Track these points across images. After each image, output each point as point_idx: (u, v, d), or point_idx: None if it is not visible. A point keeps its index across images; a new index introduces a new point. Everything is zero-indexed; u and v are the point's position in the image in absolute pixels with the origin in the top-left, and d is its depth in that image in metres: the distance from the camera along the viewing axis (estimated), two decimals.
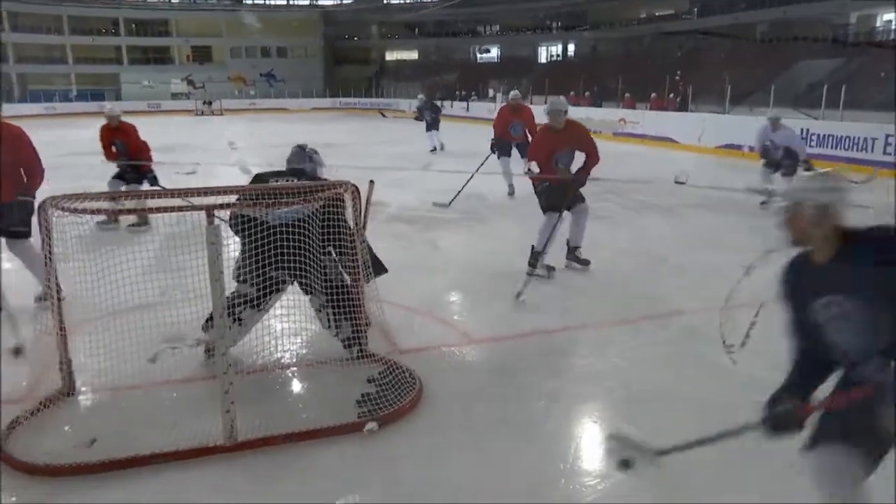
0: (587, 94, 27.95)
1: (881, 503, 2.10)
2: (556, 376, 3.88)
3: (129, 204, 5.15)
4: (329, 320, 3.88)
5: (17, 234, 4.86)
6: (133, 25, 47.49)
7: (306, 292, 3.88)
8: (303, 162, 4.17)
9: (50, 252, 3.38)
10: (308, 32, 49.28)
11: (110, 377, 3.57)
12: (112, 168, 7.77)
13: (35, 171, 4.97)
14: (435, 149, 15.56)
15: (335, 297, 3.77)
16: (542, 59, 45.48)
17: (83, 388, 3.59)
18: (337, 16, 49.55)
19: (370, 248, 4.04)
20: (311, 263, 3.58)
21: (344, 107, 40.79)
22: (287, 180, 3.92)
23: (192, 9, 47.72)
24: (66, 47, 45.58)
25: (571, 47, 43.85)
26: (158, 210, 3.51)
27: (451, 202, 8.70)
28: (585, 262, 5.93)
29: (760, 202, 7.96)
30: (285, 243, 3.48)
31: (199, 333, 3.78)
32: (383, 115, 32.36)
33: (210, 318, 3.53)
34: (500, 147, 9.47)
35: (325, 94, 43.03)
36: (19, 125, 5.13)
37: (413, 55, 50.41)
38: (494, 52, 47.92)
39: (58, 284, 3.44)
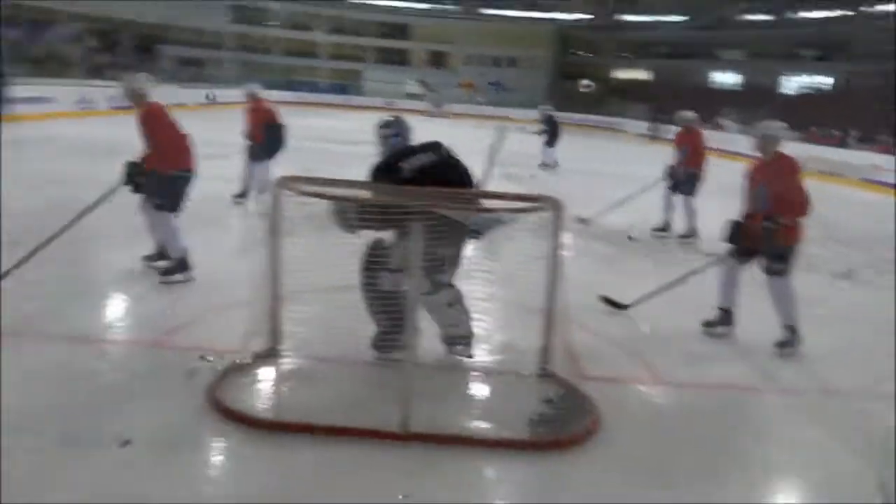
0: (836, 133, 25.13)
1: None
2: (744, 436, 3.52)
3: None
4: (461, 320, 3.91)
5: (157, 205, 5.21)
6: (380, 28, 51.38)
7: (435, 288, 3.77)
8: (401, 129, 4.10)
9: (272, 224, 3.70)
10: (540, 45, 49.89)
11: (311, 347, 3.90)
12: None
13: (170, 149, 5.20)
14: (546, 164, 15.27)
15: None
16: (787, 89, 41.82)
17: (286, 353, 3.90)
18: (571, 31, 49.62)
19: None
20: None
21: (565, 121, 40.49)
22: (421, 159, 3.82)
23: (434, 15, 50.45)
24: (321, 45, 50.61)
25: (823, 78, 39.80)
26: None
27: (660, 231, 8.32)
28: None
29: None
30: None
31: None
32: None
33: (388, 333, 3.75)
34: (670, 177, 8.42)
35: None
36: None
37: (643, 75, 48.97)
38: (732, 78, 44.98)
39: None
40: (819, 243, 7.54)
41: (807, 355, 4.57)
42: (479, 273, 4.24)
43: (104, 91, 22.34)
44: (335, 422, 3.14)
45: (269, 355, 3.82)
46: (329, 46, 50.60)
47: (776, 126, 4.86)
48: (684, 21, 40.99)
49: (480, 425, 3.31)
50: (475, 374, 3.95)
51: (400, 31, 51.59)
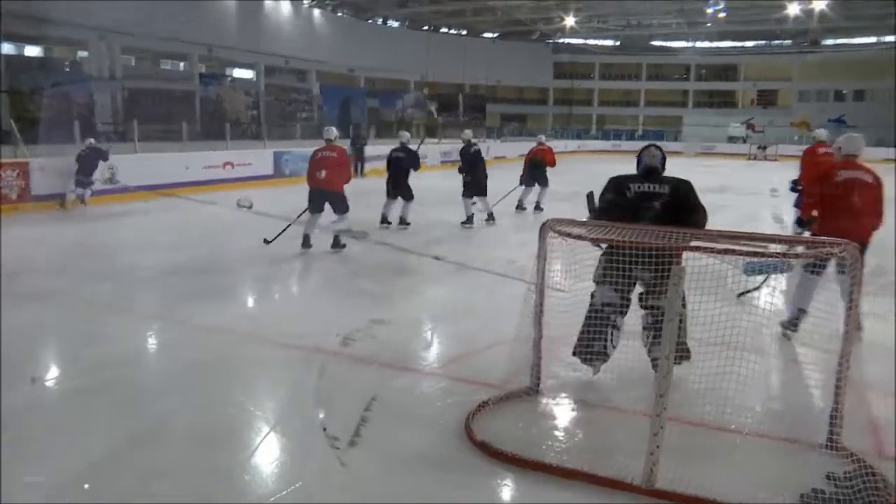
0: None
1: None
2: None
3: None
4: (649, 342, 4.02)
5: (340, 209, 8.18)
6: (702, 71, 49.49)
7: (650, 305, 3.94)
8: (656, 161, 4.23)
9: (542, 265, 3.84)
10: (893, 72, 43.15)
11: (570, 389, 3.93)
12: None
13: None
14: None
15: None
16: None
17: (545, 392, 3.98)
18: None
19: None
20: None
21: None
22: (649, 186, 4.11)
23: (763, 52, 46.98)
24: (640, 92, 50.45)
25: None
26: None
27: None
28: None
29: None
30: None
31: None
32: None
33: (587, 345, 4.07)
34: None
35: None
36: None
37: None
38: None
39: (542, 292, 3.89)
40: None
41: None
42: (760, 325, 3.85)
43: (437, 147, 25.29)
44: (579, 466, 3.11)
45: (528, 393, 3.93)
46: (649, 93, 50.31)
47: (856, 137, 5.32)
48: None
49: (738, 494, 2.96)
50: (745, 435, 3.55)
51: (726, 71, 49.11)
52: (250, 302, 6.61)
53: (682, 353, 3.86)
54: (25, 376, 4.13)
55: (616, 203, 4.14)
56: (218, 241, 9.39)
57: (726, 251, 3.30)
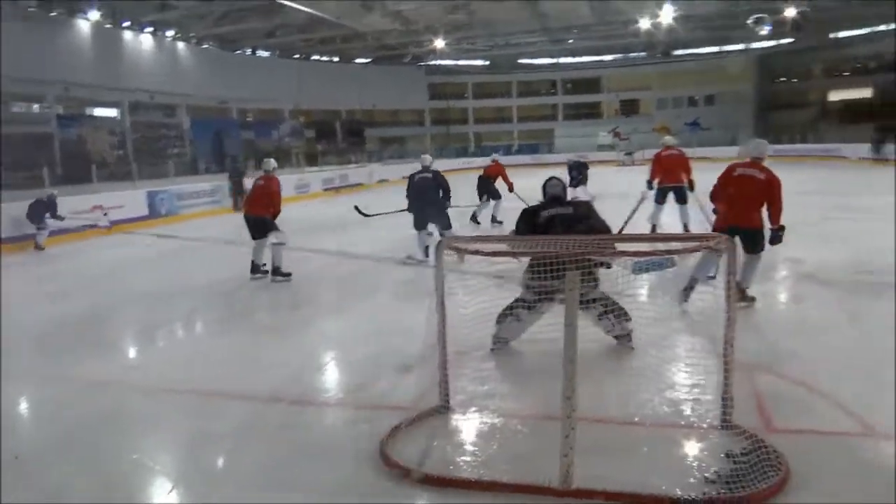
0: None
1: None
2: None
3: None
4: (613, 324, 4.64)
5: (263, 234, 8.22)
6: (568, 85, 51.93)
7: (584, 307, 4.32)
8: (558, 190, 5.12)
9: (442, 284, 3.87)
10: (739, 78, 47.18)
11: (481, 400, 3.97)
12: None
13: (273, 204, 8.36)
14: None
15: (611, 304, 4.61)
16: None
17: (456, 408, 3.99)
18: (772, 58, 46.31)
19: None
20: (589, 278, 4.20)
21: (775, 154, 37.80)
22: (556, 210, 4.88)
23: (624, 65, 49.95)
24: (512, 108, 52.24)
25: None
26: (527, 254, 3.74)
27: None
28: None
29: None
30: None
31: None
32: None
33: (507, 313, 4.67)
34: None
35: None
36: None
37: (865, 94, 44.03)
38: None
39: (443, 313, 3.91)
40: None
41: None
42: (650, 320, 4.06)
43: (318, 175, 24.96)
44: (496, 477, 3.14)
45: (438, 411, 3.93)
46: (521, 109, 52.13)
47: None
48: None
49: (649, 482, 3.10)
50: (648, 427, 3.72)
51: (589, 84, 51.73)
52: (136, 351, 6.21)
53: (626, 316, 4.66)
54: None
55: (531, 228, 4.85)
56: (102, 287, 8.83)
57: (617, 254, 3.47)
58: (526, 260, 4.50)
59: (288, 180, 21.04)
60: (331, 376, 5.08)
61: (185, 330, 6.71)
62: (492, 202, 13.00)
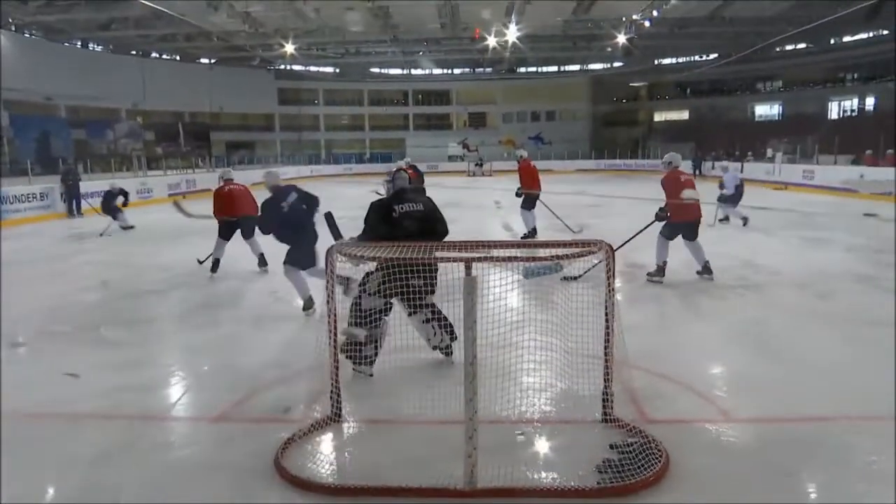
0: (890, 152, 24.48)
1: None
2: (828, 471, 3.36)
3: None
4: (435, 332, 4.71)
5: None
6: (420, 96, 52.88)
7: (414, 310, 4.56)
8: (405, 182, 5.07)
9: (332, 291, 3.82)
10: (576, 96, 50.51)
11: (372, 409, 3.94)
12: None
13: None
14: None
15: (437, 312, 4.70)
16: (833, 114, 41.05)
17: (349, 416, 3.95)
18: (605, 79, 50.09)
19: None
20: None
21: (608, 168, 40.98)
22: (408, 206, 4.77)
23: (472, 79, 51.70)
24: (364, 117, 52.27)
25: (870, 101, 38.96)
26: (423, 260, 3.79)
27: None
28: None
29: None
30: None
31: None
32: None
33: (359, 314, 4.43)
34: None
35: (590, 156, 43.61)
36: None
37: (683, 115, 48.87)
38: (775, 110, 44.55)
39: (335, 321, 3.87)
40: None
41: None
42: (534, 322, 4.24)
43: (162, 179, 23.52)
44: (400, 482, 3.15)
45: (331, 421, 3.87)
46: (373, 118, 52.25)
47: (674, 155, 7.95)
48: (720, 58, 40.86)
49: (546, 476, 3.26)
50: (537, 424, 3.90)
51: (440, 96, 52.92)
52: None
53: (450, 328, 4.75)
54: None
55: (385, 222, 4.70)
56: None
57: (509, 259, 3.61)
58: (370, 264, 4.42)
59: (128, 185, 19.68)
60: (208, 391, 4.82)
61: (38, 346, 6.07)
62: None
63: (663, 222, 7.55)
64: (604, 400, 3.81)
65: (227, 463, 3.51)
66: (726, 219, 12.87)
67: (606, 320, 3.72)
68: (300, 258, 6.42)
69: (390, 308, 4.66)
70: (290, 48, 36.00)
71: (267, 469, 3.38)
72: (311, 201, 6.64)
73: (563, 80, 50.35)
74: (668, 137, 43.62)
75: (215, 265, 8.79)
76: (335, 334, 3.87)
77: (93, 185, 18.80)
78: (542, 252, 3.94)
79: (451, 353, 4.85)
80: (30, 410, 4.24)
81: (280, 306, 7.00)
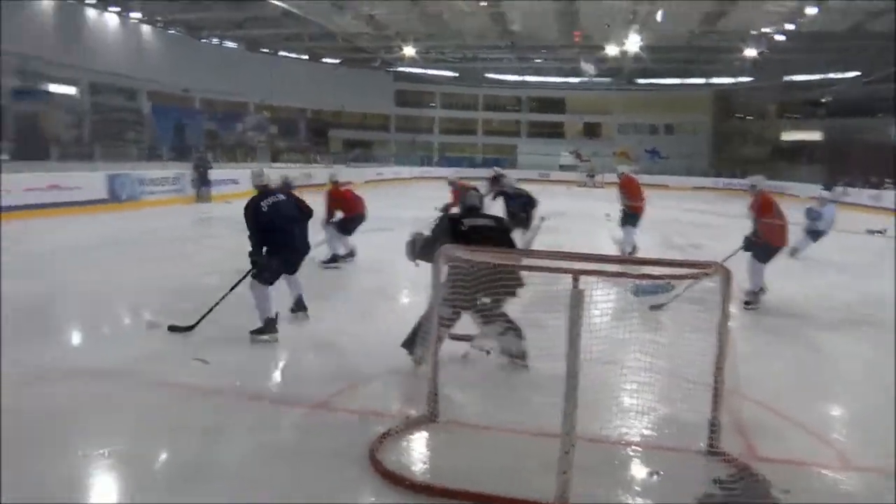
0: None
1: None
2: None
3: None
4: (511, 341, 4.65)
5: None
6: (533, 103, 52.59)
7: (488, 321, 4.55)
8: (475, 200, 5.24)
9: (439, 294, 3.87)
10: (698, 110, 48.58)
11: (468, 413, 3.95)
12: None
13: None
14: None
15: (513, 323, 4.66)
16: None
17: (444, 418, 3.98)
18: (731, 94, 47.89)
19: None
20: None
21: (727, 188, 39.05)
22: (478, 220, 4.95)
23: (588, 88, 50.85)
24: (478, 121, 52.61)
25: None
26: (531, 269, 3.77)
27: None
28: None
29: None
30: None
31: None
32: None
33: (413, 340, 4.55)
34: None
35: (709, 174, 41.86)
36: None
37: (815, 136, 45.86)
38: None
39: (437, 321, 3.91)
40: None
41: None
42: (641, 343, 4.11)
43: (279, 172, 24.63)
44: (491, 489, 3.13)
45: (428, 420, 3.91)
46: (486, 123, 52.50)
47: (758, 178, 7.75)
48: (862, 76, 38.11)
49: (642, 502, 3.14)
50: (637, 449, 3.77)
51: (555, 104, 52.41)
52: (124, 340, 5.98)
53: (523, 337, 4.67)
54: None
55: (450, 234, 4.75)
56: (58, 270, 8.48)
57: (620, 275, 3.52)
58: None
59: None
60: (313, 378, 5.00)
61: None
62: None
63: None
64: (711, 429, 3.63)
65: (326, 451, 3.62)
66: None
67: (719, 346, 3.55)
68: (273, 266, 5.77)
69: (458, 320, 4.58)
70: (409, 51, 36.86)
71: (363, 461, 3.45)
72: (301, 209, 6.20)
73: (684, 92, 48.59)
74: (797, 158, 41.17)
75: (335, 258, 9.36)
76: (438, 333, 3.91)
77: (222, 172, 19.99)
78: (653, 270, 3.82)
79: (526, 361, 4.76)
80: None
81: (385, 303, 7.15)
